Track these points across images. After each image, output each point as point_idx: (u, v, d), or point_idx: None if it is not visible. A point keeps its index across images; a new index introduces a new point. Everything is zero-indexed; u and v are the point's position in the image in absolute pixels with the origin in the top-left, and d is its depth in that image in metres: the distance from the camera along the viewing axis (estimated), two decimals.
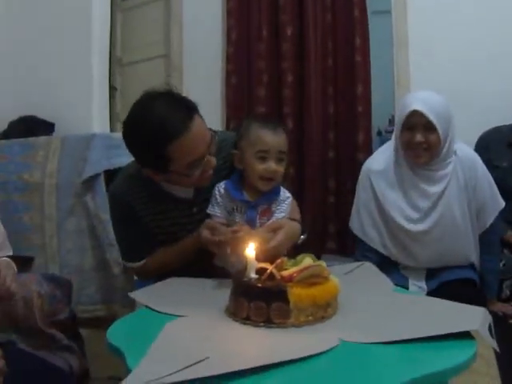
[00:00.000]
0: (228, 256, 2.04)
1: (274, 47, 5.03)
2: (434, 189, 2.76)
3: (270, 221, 2.21)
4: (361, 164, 3.04)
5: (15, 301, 2.15)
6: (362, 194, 2.95)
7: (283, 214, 2.24)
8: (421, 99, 2.69)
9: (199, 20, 5.31)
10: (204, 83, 5.14)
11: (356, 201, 3.00)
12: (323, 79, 4.95)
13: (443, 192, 2.75)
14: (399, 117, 2.78)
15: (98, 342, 1.67)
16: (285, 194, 2.29)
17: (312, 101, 4.90)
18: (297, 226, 2.27)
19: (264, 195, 2.24)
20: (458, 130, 2.78)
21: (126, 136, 2.14)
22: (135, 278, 2.53)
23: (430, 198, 2.76)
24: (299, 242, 2.30)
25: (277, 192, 2.26)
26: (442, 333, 1.48)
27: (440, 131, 2.65)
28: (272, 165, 2.18)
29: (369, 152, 4.62)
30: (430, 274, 2.85)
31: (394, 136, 2.88)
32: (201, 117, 2.13)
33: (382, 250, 2.88)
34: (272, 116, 2.29)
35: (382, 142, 3.22)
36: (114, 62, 5.84)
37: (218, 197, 2.25)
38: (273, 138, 2.18)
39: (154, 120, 2.04)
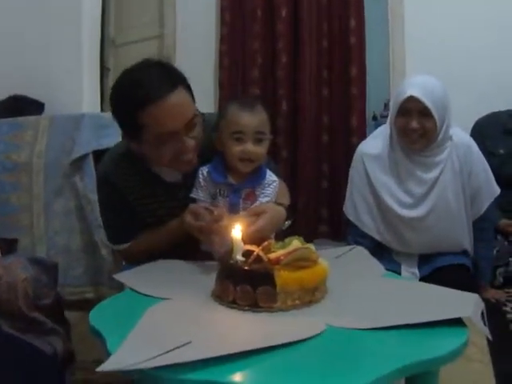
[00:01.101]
0: (212, 243, 2.00)
1: (268, 28, 5.02)
2: (429, 175, 2.73)
3: (254, 205, 2.14)
4: (355, 148, 3.00)
5: None
6: (355, 178, 2.91)
7: (267, 199, 2.17)
8: (417, 84, 2.64)
9: (193, 0, 5.27)
10: (197, 64, 5.08)
11: (349, 185, 2.96)
12: (318, 61, 4.94)
13: (438, 178, 2.73)
14: (395, 102, 2.74)
15: (85, 325, 1.62)
16: (271, 177, 2.22)
17: (306, 83, 4.89)
18: (282, 211, 2.19)
19: (248, 178, 2.17)
20: (453, 114, 2.73)
21: (110, 97, 2.11)
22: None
23: (425, 184, 2.73)
24: (284, 227, 2.24)
25: (262, 175, 2.20)
26: (434, 319, 1.44)
27: (436, 117, 2.61)
28: (248, 146, 2.10)
29: (363, 136, 4.61)
30: (423, 259, 2.83)
31: (388, 121, 2.84)
32: (189, 94, 2.08)
33: (375, 236, 2.86)
34: (254, 97, 2.17)
35: (377, 127, 3.18)
36: (107, 43, 5.81)
37: (201, 180, 2.19)
38: (248, 119, 2.10)
39: (133, 83, 2.01)
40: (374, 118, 6.04)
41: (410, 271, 2.79)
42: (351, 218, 2.92)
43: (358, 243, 2.63)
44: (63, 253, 3.49)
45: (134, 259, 2.29)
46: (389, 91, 4.96)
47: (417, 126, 2.63)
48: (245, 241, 1.71)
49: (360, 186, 2.87)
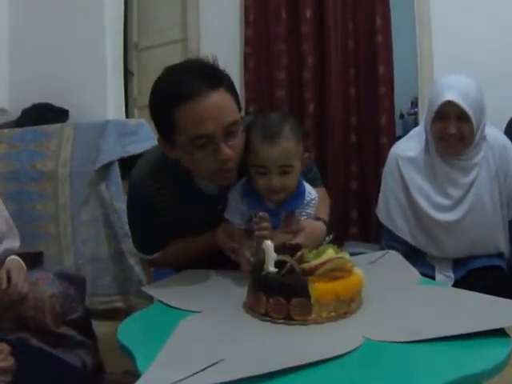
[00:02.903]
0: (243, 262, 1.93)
1: (293, 29, 5.01)
2: (467, 178, 2.66)
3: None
4: (384, 148, 2.96)
5: (26, 301, 2.10)
6: (389, 181, 2.84)
7: (306, 218, 2.08)
8: (454, 87, 2.56)
9: (216, 2, 5.29)
10: (222, 67, 5.06)
11: (383, 188, 2.89)
12: (344, 61, 4.92)
13: (474, 181, 2.66)
14: (431, 106, 2.66)
15: (115, 336, 1.58)
16: (310, 195, 2.10)
17: (333, 83, 4.88)
18: (321, 227, 2.11)
19: (286, 201, 2.05)
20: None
21: (150, 95, 2.01)
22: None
23: (461, 188, 2.67)
24: (325, 243, 2.10)
25: (301, 196, 2.08)
26: (476, 330, 1.38)
27: (474, 121, 2.54)
28: (273, 180, 1.97)
29: (392, 135, 4.57)
30: (457, 262, 2.77)
31: (423, 123, 2.77)
32: (232, 98, 1.95)
33: (409, 240, 2.78)
34: (280, 116, 1.94)
35: (405, 125, 3.13)
36: (130, 47, 5.80)
37: (233, 203, 2.10)
38: (270, 152, 1.95)
39: (172, 79, 1.92)
40: (401, 116, 6.01)
41: (444, 274, 2.74)
42: (384, 221, 2.85)
43: (392, 247, 2.58)
44: (91, 262, 3.49)
45: (163, 267, 2.26)
46: (416, 89, 4.90)
47: (454, 131, 2.57)
48: (277, 251, 1.66)
49: (394, 188, 2.80)
